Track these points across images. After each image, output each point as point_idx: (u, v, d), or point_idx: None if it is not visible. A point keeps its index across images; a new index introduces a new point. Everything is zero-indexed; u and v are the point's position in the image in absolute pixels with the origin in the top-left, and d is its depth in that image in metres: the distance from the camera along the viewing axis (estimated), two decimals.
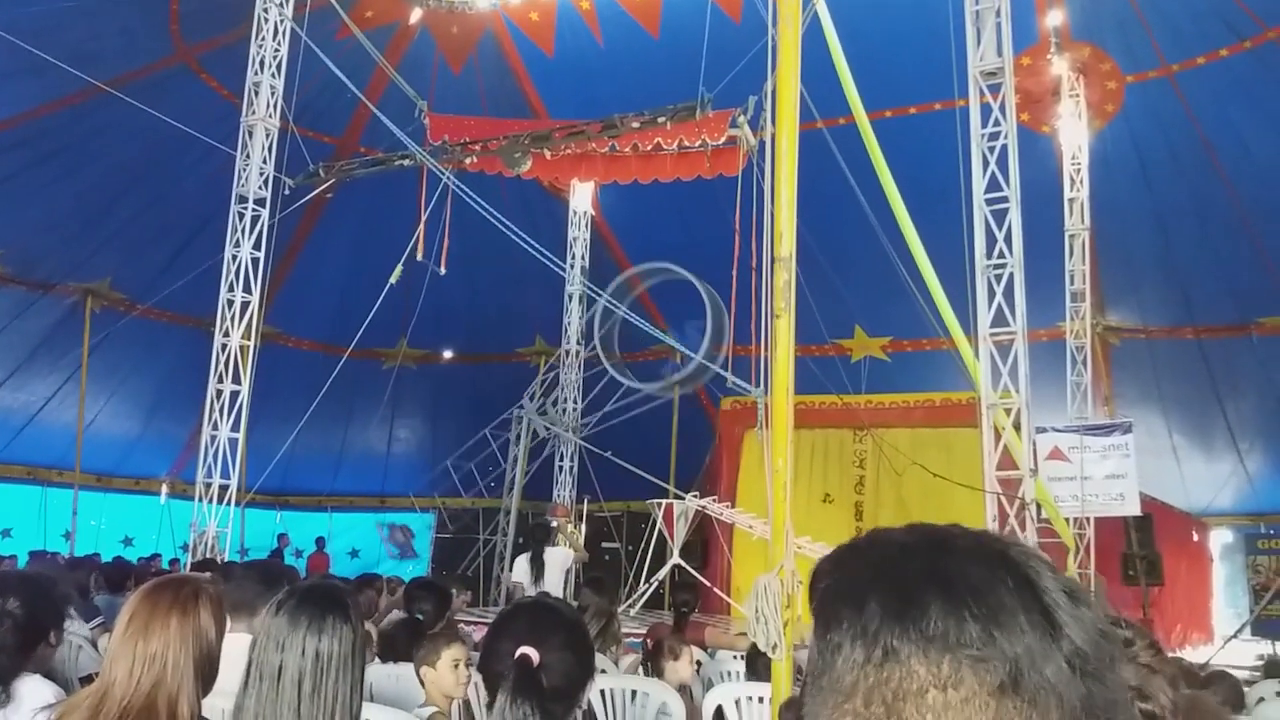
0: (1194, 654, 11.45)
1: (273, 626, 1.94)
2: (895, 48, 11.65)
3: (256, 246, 10.22)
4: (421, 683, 3.40)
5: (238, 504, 10.00)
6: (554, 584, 9.25)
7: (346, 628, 1.96)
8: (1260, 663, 9.15)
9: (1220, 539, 16.35)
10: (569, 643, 1.84)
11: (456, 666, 3.36)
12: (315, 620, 1.94)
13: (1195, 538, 15.34)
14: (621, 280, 14.53)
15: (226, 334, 10.00)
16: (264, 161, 10.35)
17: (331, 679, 1.91)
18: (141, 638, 2.06)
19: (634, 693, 4.32)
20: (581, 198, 15.61)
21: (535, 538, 9.91)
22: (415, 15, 13.89)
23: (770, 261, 4.21)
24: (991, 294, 7.98)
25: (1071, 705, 0.67)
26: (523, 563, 9.53)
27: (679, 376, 14.51)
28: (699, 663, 5.83)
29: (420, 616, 4.73)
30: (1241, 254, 13.02)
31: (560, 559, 9.63)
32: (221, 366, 9.96)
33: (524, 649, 1.77)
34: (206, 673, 2.10)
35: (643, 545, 12.10)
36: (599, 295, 11.89)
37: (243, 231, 10.19)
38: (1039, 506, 8.00)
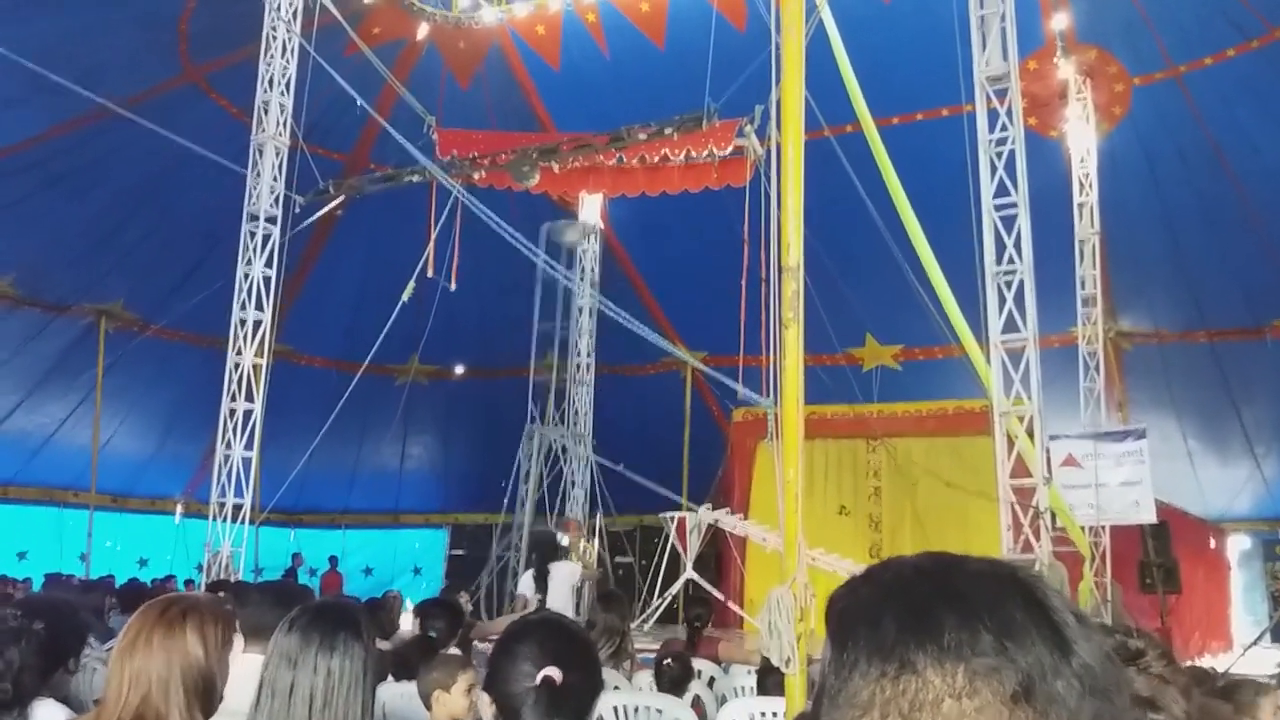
0: (1213, 662, 11.34)
1: (285, 644, 1.93)
2: (901, 54, 11.65)
3: (268, 265, 10.25)
4: (426, 703, 3.38)
5: (252, 523, 10.02)
6: (560, 599, 9.19)
7: (358, 646, 1.96)
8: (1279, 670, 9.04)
9: (1238, 545, 16.20)
10: (580, 663, 1.83)
11: (469, 691, 3.34)
12: (327, 638, 1.93)
13: (1212, 544, 15.21)
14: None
15: (239, 353, 10.03)
16: (274, 180, 10.39)
17: (343, 697, 1.90)
18: (129, 656, 2.09)
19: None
20: (590, 210, 15.64)
21: (540, 553, 9.88)
22: (422, 31, 13.97)
23: (778, 271, 4.20)
24: (1002, 300, 7.95)
25: None
26: (528, 578, 9.51)
27: None
28: (712, 678, 5.80)
29: (433, 635, 4.71)
30: (1253, 256, 12.94)
31: (567, 574, 9.59)
32: (235, 385, 9.98)
33: (549, 670, 1.75)
34: (202, 691, 2.09)
35: (655, 560, 12.06)
36: (609, 308, 11.85)
37: (254, 250, 10.23)
38: (1054, 515, 7.94)
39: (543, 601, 9.08)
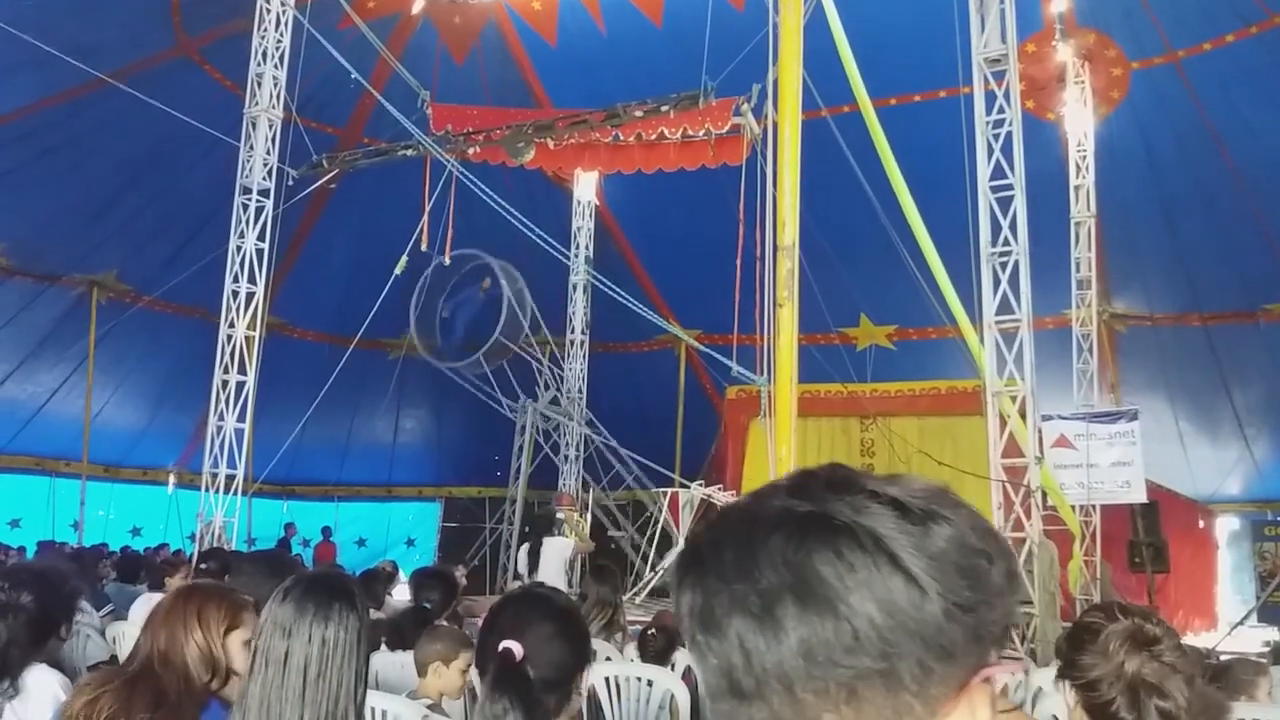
0: (1197, 641, 11.45)
1: (279, 614, 1.95)
2: (899, 35, 11.61)
3: (261, 237, 10.24)
4: (422, 671, 3.39)
5: (244, 494, 10.05)
6: (552, 573, 9.25)
7: (353, 616, 1.97)
8: (1267, 649, 9.13)
9: (1227, 526, 16.30)
10: (559, 632, 1.82)
11: (465, 671, 3.34)
12: (322, 608, 1.95)
13: (1201, 525, 15.30)
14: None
15: (232, 325, 10.04)
16: (267, 153, 10.37)
17: (337, 666, 1.92)
18: (145, 629, 2.32)
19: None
20: (585, 187, 15.58)
21: (534, 528, 9.95)
22: (418, 6, 13.85)
23: (773, 250, 4.21)
24: (997, 282, 7.96)
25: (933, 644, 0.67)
26: (523, 554, 9.56)
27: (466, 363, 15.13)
28: None
29: (428, 605, 4.73)
30: (1248, 240, 12.97)
31: (559, 548, 9.64)
32: (227, 357, 9.99)
33: (506, 643, 1.75)
34: (199, 665, 2.24)
35: (648, 534, 12.12)
36: (604, 284, 11.88)
37: (247, 223, 10.21)
38: (1045, 494, 8.00)
39: (526, 576, 9.15)
